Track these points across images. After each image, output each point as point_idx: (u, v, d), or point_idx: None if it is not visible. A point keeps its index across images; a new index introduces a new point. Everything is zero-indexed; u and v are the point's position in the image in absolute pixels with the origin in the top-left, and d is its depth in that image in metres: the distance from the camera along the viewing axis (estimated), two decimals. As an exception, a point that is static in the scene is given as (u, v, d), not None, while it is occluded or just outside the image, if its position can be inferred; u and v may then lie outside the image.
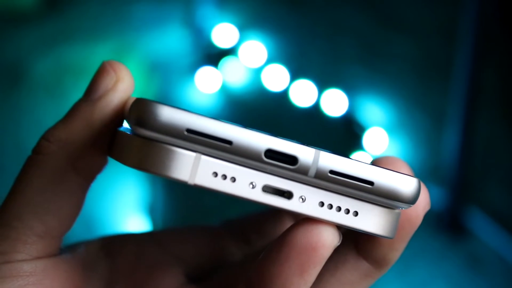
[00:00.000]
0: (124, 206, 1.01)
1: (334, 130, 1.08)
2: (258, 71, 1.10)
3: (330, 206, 0.25)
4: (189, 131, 0.23)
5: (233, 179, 0.24)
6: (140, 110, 0.23)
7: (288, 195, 0.24)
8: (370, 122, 1.06)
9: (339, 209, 0.25)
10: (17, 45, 1.10)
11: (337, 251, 0.27)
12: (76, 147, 0.27)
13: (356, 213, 0.25)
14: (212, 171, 0.24)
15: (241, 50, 1.10)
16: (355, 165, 0.24)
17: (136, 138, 0.24)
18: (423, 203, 0.27)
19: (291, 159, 0.24)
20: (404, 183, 0.25)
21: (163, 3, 1.14)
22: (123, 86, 0.27)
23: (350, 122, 1.07)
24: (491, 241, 0.98)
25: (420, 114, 1.07)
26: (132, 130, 0.24)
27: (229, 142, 0.24)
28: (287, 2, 1.14)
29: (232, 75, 1.10)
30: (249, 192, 0.24)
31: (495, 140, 1.05)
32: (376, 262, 0.27)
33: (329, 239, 0.24)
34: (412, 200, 0.25)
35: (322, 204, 0.25)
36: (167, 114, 0.23)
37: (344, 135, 1.08)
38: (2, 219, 0.27)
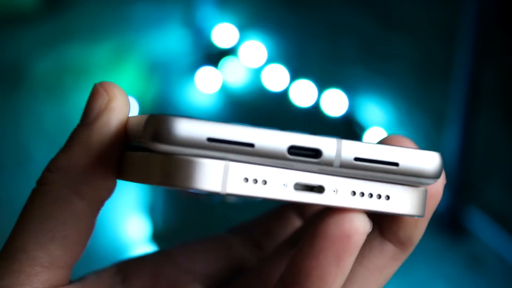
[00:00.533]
0: (124, 206, 1.01)
1: (334, 130, 1.08)
2: (258, 71, 1.10)
3: (362, 194, 0.25)
4: (210, 139, 0.23)
5: (264, 182, 0.24)
6: (156, 125, 0.23)
7: (319, 189, 0.24)
8: (370, 122, 1.06)
9: (370, 195, 0.25)
10: (17, 45, 1.10)
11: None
12: (77, 173, 0.26)
13: (387, 197, 0.25)
14: (242, 177, 0.24)
15: (241, 50, 1.10)
16: (378, 148, 0.25)
17: (157, 155, 0.24)
18: (442, 178, 0.27)
19: (315, 152, 0.24)
20: (428, 159, 0.25)
21: (163, 3, 1.14)
22: (117, 104, 0.27)
23: (350, 122, 1.07)
24: (491, 241, 0.98)
25: (420, 114, 1.07)
26: (148, 147, 0.24)
27: (251, 145, 0.24)
28: (287, 2, 1.14)
29: (232, 75, 1.10)
30: (282, 193, 0.24)
31: (495, 140, 1.05)
32: (402, 243, 0.27)
33: (362, 226, 0.24)
34: (438, 175, 0.25)
35: (354, 193, 0.25)
36: (185, 125, 0.23)
37: (344, 135, 1.08)
38: (7, 252, 0.26)
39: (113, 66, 1.11)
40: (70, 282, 0.28)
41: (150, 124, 0.24)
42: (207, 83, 1.09)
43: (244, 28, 1.12)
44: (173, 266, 0.31)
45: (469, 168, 1.01)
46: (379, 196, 0.25)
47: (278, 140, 0.24)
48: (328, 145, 0.24)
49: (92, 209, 0.27)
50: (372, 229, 0.27)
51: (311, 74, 1.09)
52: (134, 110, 1.07)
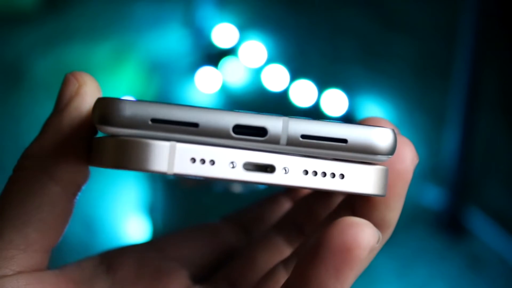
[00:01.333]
0: (124, 206, 1.01)
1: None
2: (258, 71, 1.10)
3: (315, 173, 0.24)
4: (154, 120, 0.23)
5: (212, 162, 0.24)
6: (102, 108, 0.23)
7: (270, 169, 0.24)
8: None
9: (324, 174, 0.24)
10: (17, 45, 1.10)
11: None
12: (50, 158, 0.27)
13: (342, 176, 0.25)
14: (189, 157, 0.23)
15: (241, 50, 1.10)
16: (325, 125, 0.24)
17: (107, 138, 0.24)
18: (410, 155, 0.27)
19: (261, 131, 0.24)
20: (378, 134, 0.25)
21: (163, 3, 1.14)
22: (87, 90, 0.27)
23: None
24: (491, 241, 0.98)
25: (420, 114, 1.07)
26: (99, 130, 0.24)
27: (195, 125, 0.23)
28: (287, 2, 1.14)
29: (232, 75, 1.10)
30: (231, 172, 0.24)
31: (495, 140, 1.05)
32: (376, 225, 0.26)
33: (366, 239, 0.23)
34: (390, 151, 0.25)
35: (306, 172, 0.24)
36: (128, 107, 0.23)
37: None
38: None
39: (113, 66, 1.11)
40: (49, 269, 0.28)
41: (96, 107, 0.24)
42: (207, 83, 1.09)
43: (244, 28, 1.12)
44: (158, 254, 0.31)
45: (469, 168, 1.01)
46: (333, 175, 0.24)
47: (223, 119, 0.24)
48: (273, 123, 0.24)
49: (67, 193, 0.27)
50: (345, 212, 0.27)
51: (311, 74, 1.09)
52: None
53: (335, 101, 1.07)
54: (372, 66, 1.10)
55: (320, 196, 0.30)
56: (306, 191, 0.32)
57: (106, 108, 0.23)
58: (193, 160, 0.24)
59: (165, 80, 1.11)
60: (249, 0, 1.15)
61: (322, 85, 1.07)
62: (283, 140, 0.24)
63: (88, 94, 0.27)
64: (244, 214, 0.33)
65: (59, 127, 0.27)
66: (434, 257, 0.98)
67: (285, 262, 0.28)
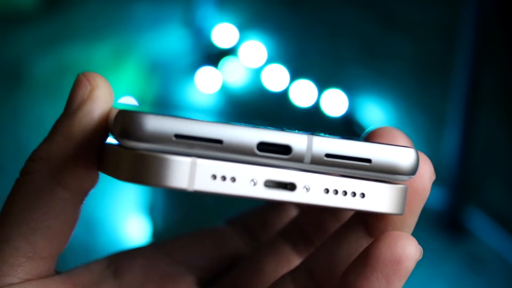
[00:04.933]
0: (124, 206, 1.01)
1: (334, 130, 1.08)
2: (258, 71, 1.10)
3: (336, 192, 0.24)
4: (178, 136, 0.23)
5: (233, 179, 0.23)
6: (124, 122, 0.23)
7: (291, 186, 0.24)
8: (370, 122, 1.06)
9: (345, 193, 0.24)
10: (17, 45, 1.10)
11: (348, 238, 0.27)
12: (59, 163, 0.26)
13: (362, 195, 0.24)
14: (210, 174, 0.23)
15: (241, 50, 1.10)
16: (349, 144, 0.24)
17: (125, 151, 0.23)
18: (428, 173, 0.27)
19: (285, 149, 0.24)
20: (401, 155, 0.25)
21: (163, 3, 1.14)
22: (100, 94, 0.26)
23: (350, 122, 1.07)
24: (491, 241, 0.98)
25: (420, 114, 1.07)
26: (119, 142, 0.24)
27: (219, 141, 0.23)
28: (287, 2, 1.14)
29: (232, 75, 1.10)
30: (251, 190, 0.23)
31: (495, 140, 1.05)
32: None
33: (413, 252, 0.25)
34: (412, 171, 0.25)
35: (327, 190, 0.24)
36: (153, 122, 0.23)
37: (344, 135, 1.08)
38: None
39: (113, 66, 1.11)
40: (57, 273, 0.28)
41: (118, 120, 0.23)
42: (207, 83, 1.09)
43: (244, 28, 1.12)
44: (166, 258, 0.31)
45: (469, 168, 1.01)
46: (354, 194, 0.24)
47: (247, 136, 0.23)
48: (298, 141, 0.24)
49: (75, 199, 0.27)
50: (359, 228, 0.27)
51: (311, 74, 1.09)
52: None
53: (335, 101, 1.07)
54: (372, 66, 1.10)
55: None
56: None
57: (129, 122, 0.23)
58: (214, 177, 0.23)
59: (165, 80, 1.11)
60: (249, 0, 1.15)
61: (322, 85, 1.07)
62: (307, 159, 0.24)
63: (101, 98, 0.26)
64: (249, 218, 0.33)
65: (69, 131, 0.26)
66: (434, 257, 0.98)
67: (292, 273, 0.28)
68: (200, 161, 0.23)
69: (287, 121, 1.08)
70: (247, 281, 0.30)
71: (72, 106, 0.26)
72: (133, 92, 1.08)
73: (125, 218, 1.01)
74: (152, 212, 1.01)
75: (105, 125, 0.26)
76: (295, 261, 0.30)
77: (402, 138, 0.27)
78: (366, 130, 0.28)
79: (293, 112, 1.08)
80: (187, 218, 1.03)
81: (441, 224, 1.00)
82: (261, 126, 0.24)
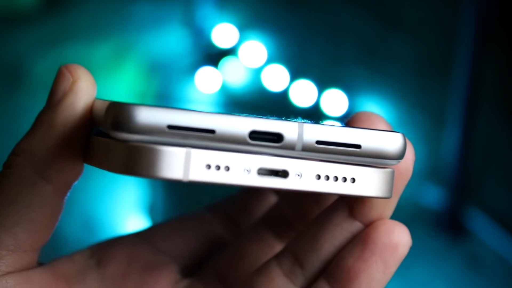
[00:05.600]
0: (124, 206, 1.01)
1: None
2: (258, 71, 1.10)
3: (327, 177, 0.25)
4: (170, 127, 0.23)
5: (227, 168, 0.24)
6: (116, 114, 0.23)
7: (283, 174, 0.24)
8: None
9: (336, 178, 0.25)
10: (17, 45, 1.10)
11: (332, 221, 0.28)
12: (42, 156, 0.26)
13: (353, 180, 0.25)
14: (205, 164, 0.23)
15: (241, 50, 1.10)
16: (339, 131, 0.25)
17: (118, 143, 0.23)
18: (410, 155, 0.28)
19: (277, 137, 0.24)
20: (390, 140, 0.25)
21: (163, 3, 1.14)
22: (81, 86, 0.26)
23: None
24: (491, 241, 0.98)
25: (420, 114, 1.07)
26: (110, 135, 0.24)
27: (212, 131, 0.23)
28: (287, 2, 1.14)
29: (232, 75, 1.10)
30: (245, 178, 0.24)
31: (495, 140, 1.05)
32: (373, 222, 0.28)
33: (407, 239, 0.27)
34: (401, 155, 0.26)
35: (318, 176, 0.25)
36: (145, 113, 0.23)
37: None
38: None
39: (113, 66, 1.11)
40: (39, 265, 0.28)
41: (110, 112, 0.23)
42: (207, 83, 1.09)
43: (244, 28, 1.12)
44: (149, 247, 0.31)
45: (469, 168, 1.01)
46: (345, 179, 0.25)
47: (239, 125, 0.24)
48: (289, 129, 0.24)
49: (58, 192, 0.27)
50: (342, 211, 0.28)
51: (311, 74, 1.09)
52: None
53: (335, 101, 1.07)
54: (372, 66, 1.10)
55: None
56: None
57: (121, 113, 0.23)
58: (208, 166, 0.23)
59: (165, 80, 1.11)
60: (249, 0, 1.15)
61: (322, 85, 1.08)
62: (299, 146, 0.24)
63: (82, 90, 0.26)
64: (229, 204, 0.33)
65: (51, 124, 0.26)
66: (434, 257, 0.98)
67: (277, 258, 0.28)
68: (194, 151, 0.23)
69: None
70: (229, 267, 0.30)
71: (54, 98, 0.27)
72: (133, 92, 1.08)
73: (125, 217, 1.01)
74: (152, 211, 1.01)
75: (89, 117, 0.26)
76: (277, 246, 0.30)
77: (382, 123, 0.28)
78: (348, 117, 0.28)
79: (293, 112, 1.08)
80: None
81: (441, 224, 1.00)
82: (252, 115, 0.24)
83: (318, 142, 0.24)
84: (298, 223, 0.30)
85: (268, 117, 0.24)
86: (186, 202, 1.03)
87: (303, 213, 0.30)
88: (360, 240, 0.27)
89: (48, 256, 0.29)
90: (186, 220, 0.33)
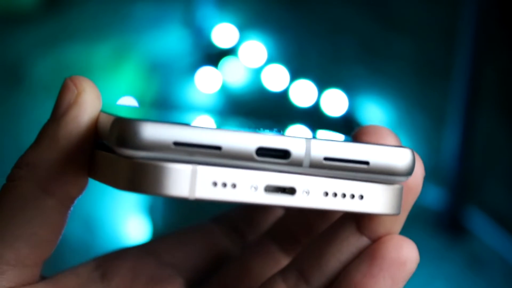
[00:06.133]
0: (124, 206, 1.01)
1: (334, 130, 1.07)
2: (258, 71, 1.10)
3: (335, 194, 0.24)
4: (177, 143, 0.23)
5: (234, 185, 0.23)
6: (121, 130, 0.22)
7: (291, 191, 0.24)
8: (370, 122, 1.06)
9: (343, 195, 0.24)
10: (17, 45, 1.10)
11: (338, 237, 0.27)
12: (45, 170, 0.26)
13: (361, 197, 0.25)
14: (211, 181, 0.23)
15: (241, 50, 1.10)
16: (347, 147, 0.24)
17: (123, 159, 0.23)
18: (420, 171, 0.27)
19: (284, 153, 0.24)
20: (399, 156, 0.25)
21: (163, 3, 1.14)
22: (86, 99, 0.26)
23: (350, 122, 1.07)
24: (491, 241, 0.98)
25: (420, 114, 1.07)
26: (115, 150, 0.23)
27: (218, 148, 0.23)
28: (287, 2, 1.14)
29: (232, 75, 1.10)
30: (252, 196, 0.23)
31: (495, 139, 1.05)
32: (380, 237, 0.27)
33: (416, 255, 0.26)
34: (410, 171, 0.25)
35: (326, 193, 0.24)
36: (151, 130, 0.22)
37: (344, 135, 1.08)
38: None
39: (113, 66, 1.11)
40: (42, 278, 0.28)
41: (115, 128, 0.23)
42: (207, 83, 1.09)
43: (244, 28, 1.12)
44: (153, 260, 0.30)
45: (469, 168, 1.01)
46: (353, 196, 0.25)
47: (246, 142, 0.23)
48: (296, 145, 0.24)
49: (61, 206, 0.26)
50: (350, 226, 0.27)
51: (311, 74, 1.09)
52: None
53: (335, 101, 1.07)
54: (372, 66, 1.10)
55: None
56: None
57: (126, 130, 0.22)
58: (215, 183, 0.23)
59: (165, 80, 1.11)
60: (249, 0, 1.15)
61: (322, 85, 1.07)
62: (306, 163, 0.24)
63: (87, 103, 0.26)
64: (235, 216, 0.33)
65: (55, 137, 0.26)
66: (434, 257, 0.98)
67: (283, 272, 0.28)
68: (200, 168, 0.23)
69: (287, 122, 1.08)
70: (235, 281, 0.30)
71: (58, 111, 0.26)
72: (133, 92, 1.08)
73: (125, 218, 1.01)
74: (152, 212, 1.01)
75: (94, 130, 0.26)
76: (283, 261, 0.30)
77: (390, 137, 0.27)
78: (355, 130, 0.28)
79: (293, 112, 1.08)
80: (187, 218, 1.03)
81: (441, 224, 1.00)
82: (259, 130, 0.24)
83: (326, 159, 0.24)
84: (305, 237, 0.30)
85: (275, 132, 0.24)
86: (186, 203, 1.03)
87: (309, 228, 0.30)
88: (368, 255, 0.26)
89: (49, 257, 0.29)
90: (191, 232, 0.32)
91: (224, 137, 0.23)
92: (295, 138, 0.24)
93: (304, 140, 0.24)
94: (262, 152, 0.23)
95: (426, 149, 1.05)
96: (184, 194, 0.23)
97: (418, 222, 0.98)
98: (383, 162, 0.25)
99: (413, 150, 0.25)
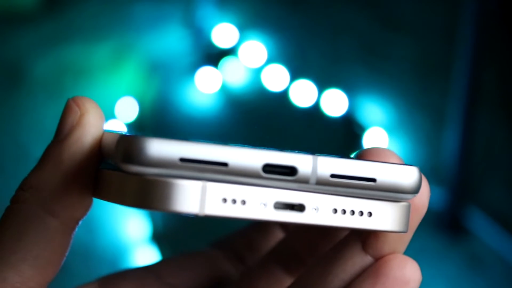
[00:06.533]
0: (125, 208, 1.01)
1: (334, 130, 1.08)
2: (258, 71, 1.10)
3: (344, 211, 0.24)
4: (183, 160, 0.23)
5: (243, 202, 0.23)
6: (127, 147, 0.23)
7: (300, 208, 0.24)
8: (370, 122, 1.06)
9: (352, 212, 0.25)
10: (17, 45, 1.10)
11: (343, 256, 0.27)
12: (49, 192, 0.26)
13: (370, 214, 0.25)
14: (221, 198, 0.23)
15: (241, 50, 1.10)
16: (354, 164, 0.24)
17: (130, 176, 0.23)
18: (426, 191, 0.27)
19: (290, 170, 0.24)
20: (406, 173, 0.25)
21: (163, 3, 1.14)
22: (89, 120, 0.26)
23: (350, 122, 1.07)
24: (491, 241, 0.98)
25: (420, 114, 1.07)
26: (120, 168, 0.23)
27: (224, 164, 0.23)
28: (288, 2, 1.14)
29: (232, 75, 1.10)
30: (261, 213, 0.23)
31: (495, 140, 1.05)
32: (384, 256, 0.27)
33: (419, 275, 0.27)
34: (416, 189, 0.25)
35: (335, 210, 0.24)
36: (156, 146, 0.22)
37: (344, 135, 1.08)
38: None
39: (113, 66, 1.11)
40: None
41: (121, 145, 0.23)
42: (207, 83, 1.09)
43: (244, 28, 1.12)
44: (156, 280, 0.31)
45: (469, 168, 1.01)
46: (361, 213, 0.25)
47: (252, 158, 0.23)
48: (303, 162, 0.24)
49: (66, 228, 0.26)
50: (354, 245, 0.27)
51: (311, 74, 1.09)
52: (132, 112, 1.07)
53: (335, 101, 1.07)
54: (372, 66, 1.10)
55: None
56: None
57: (132, 146, 0.23)
58: (225, 200, 0.23)
59: (165, 80, 1.11)
60: (249, 0, 1.15)
61: (322, 85, 1.08)
62: (313, 180, 0.24)
63: (90, 123, 0.26)
64: (235, 240, 0.33)
65: (59, 159, 0.26)
66: (434, 257, 0.98)
67: None
68: (210, 184, 0.23)
69: (287, 122, 1.08)
70: None
71: (61, 133, 0.26)
72: (133, 92, 1.08)
73: (125, 218, 1.01)
74: (152, 212, 1.01)
75: (97, 151, 0.26)
76: (287, 281, 0.30)
77: (395, 157, 0.27)
78: (357, 152, 0.28)
79: (293, 112, 1.08)
80: (187, 218, 1.03)
81: (441, 224, 1.00)
82: (265, 148, 0.24)
83: (332, 176, 0.24)
84: (308, 257, 0.30)
85: (282, 149, 0.24)
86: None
87: (313, 247, 0.30)
88: (371, 273, 0.26)
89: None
90: (193, 256, 0.32)
91: (231, 153, 0.23)
92: (302, 155, 0.24)
93: (311, 157, 0.24)
94: (269, 168, 0.24)
95: (426, 149, 1.05)
96: (194, 210, 0.23)
97: (418, 222, 0.98)
98: (390, 180, 0.25)
99: (419, 168, 0.26)
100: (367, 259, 0.27)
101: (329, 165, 0.24)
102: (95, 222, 0.99)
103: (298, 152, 0.24)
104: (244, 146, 0.24)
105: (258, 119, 1.08)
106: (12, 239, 0.26)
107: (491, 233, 0.98)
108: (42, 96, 1.05)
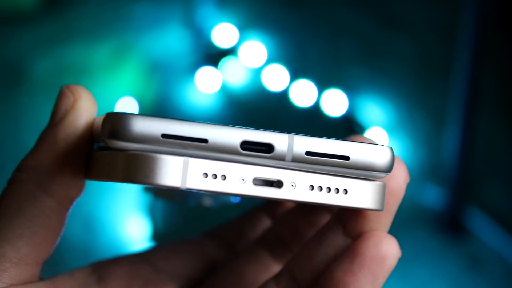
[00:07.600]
0: (124, 206, 1.01)
1: (334, 130, 1.08)
2: (258, 71, 1.10)
3: (320, 188, 0.25)
4: (164, 135, 0.24)
5: (224, 177, 0.24)
6: (112, 123, 0.24)
7: (278, 184, 0.25)
8: (370, 122, 1.06)
9: (328, 190, 0.26)
10: (17, 45, 1.10)
11: (326, 240, 0.28)
12: (44, 172, 0.27)
13: (345, 191, 0.26)
14: (202, 172, 0.24)
15: (241, 50, 1.10)
16: (328, 143, 0.26)
17: (118, 152, 0.24)
18: (403, 175, 0.28)
19: (267, 147, 0.25)
20: (378, 152, 0.26)
21: (163, 3, 1.14)
22: (82, 104, 0.28)
23: (350, 122, 1.07)
24: (491, 241, 0.98)
25: (420, 114, 1.07)
26: (107, 145, 0.24)
27: (204, 140, 0.24)
28: (287, 2, 1.14)
29: (232, 75, 1.10)
30: (241, 188, 0.25)
31: (495, 140, 1.05)
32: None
33: (396, 250, 0.27)
34: (388, 168, 0.26)
35: (312, 187, 0.25)
36: (139, 123, 0.24)
37: (344, 135, 1.08)
38: None
39: (113, 66, 1.11)
40: (41, 279, 0.29)
41: (107, 122, 0.24)
42: (207, 83, 1.09)
43: (244, 28, 1.12)
44: (148, 266, 0.32)
45: (469, 168, 1.01)
46: (337, 190, 0.26)
47: (231, 135, 0.24)
48: (279, 140, 0.25)
49: (61, 207, 0.27)
50: (337, 229, 0.28)
51: (311, 74, 1.09)
52: (132, 112, 1.07)
53: (335, 101, 1.07)
54: (372, 66, 1.10)
55: (304, 213, 0.31)
56: (287, 208, 0.33)
57: (117, 123, 0.24)
58: (206, 175, 0.24)
59: (165, 80, 1.11)
60: (249, 0, 1.15)
61: (322, 85, 1.08)
62: (289, 157, 0.25)
63: (83, 108, 0.27)
64: (224, 229, 0.34)
65: (54, 141, 0.27)
66: (434, 257, 0.98)
67: (276, 279, 0.29)
68: (192, 160, 0.24)
69: (287, 121, 1.08)
70: (227, 287, 0.31)
71: (56, 117, 0.27)
72: (133, 92, 1.08)
73: (125, 218, 1.01)
74: (152, 212, 1.01)
75: (90, 134, 0.27)
76: (274, 266, 0.31)
77: (369, 141, 0.28)
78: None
79: (293, 112, 1.08)
80: (187, 218, 1.03)
81: (441, 224, 1.00)
82: (244, 127, 0.25)
83: (307, 153, 0.25)
84: (294, 243, 0.31)
85: (259, 128, 0.25)
86: (185, 204, 1.03)
87: (299, 234, 0.31)
88: (349, 253, 0.27)
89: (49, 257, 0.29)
90: (184, 244, 0.34)
91: (210, 131, 0.24)
92: (278, 133, 0.25)
93: (287, 135, 0.25)
94: (247, 146, 0.25)
95: (426, 149, 1.05)
96: (176, 184, 0.24)
97: (418, 222, 0.98)
98: (363, 158, 0.26)
99: (392, 148, 0.26)
100: (348, 242, 0.28)
101: (304, 143, 0.25)
102: (95, 222, 0.99)
103: (275, 131, 0.25)
104: (223, 124, 0.25)
105: (258, 119, 1.08)
106: (10, 216, 0.27)
107: (491, 233, 0.98)
108: (42, 96, 1.05)
